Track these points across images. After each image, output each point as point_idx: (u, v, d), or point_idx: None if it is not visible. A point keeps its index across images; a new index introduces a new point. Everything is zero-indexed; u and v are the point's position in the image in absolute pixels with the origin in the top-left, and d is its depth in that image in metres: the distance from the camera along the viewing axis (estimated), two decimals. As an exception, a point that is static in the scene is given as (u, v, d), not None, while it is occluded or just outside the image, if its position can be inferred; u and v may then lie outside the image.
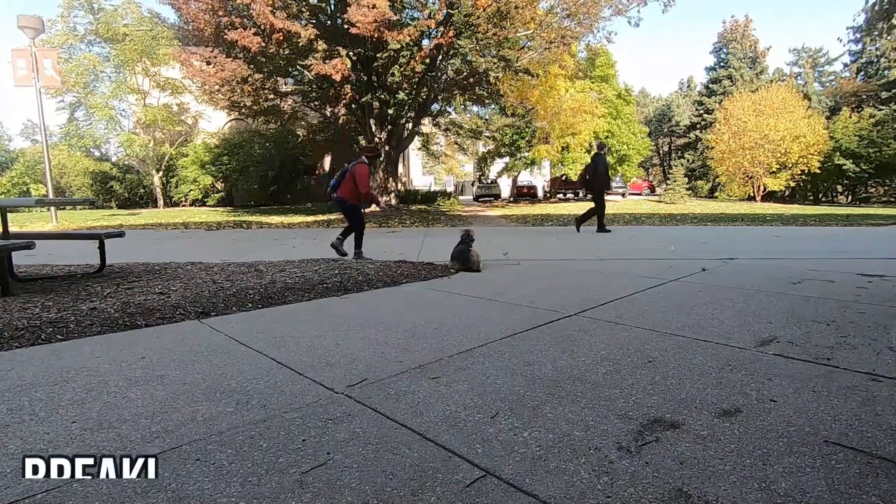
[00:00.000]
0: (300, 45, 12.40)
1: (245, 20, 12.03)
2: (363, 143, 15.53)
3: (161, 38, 18.37)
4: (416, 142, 22.95)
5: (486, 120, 22.30)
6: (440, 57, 13.76)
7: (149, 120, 20.05)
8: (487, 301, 3.30)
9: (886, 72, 33.26)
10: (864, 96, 33.93)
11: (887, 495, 1.13)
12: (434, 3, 13.44)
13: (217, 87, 13.53)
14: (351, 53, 12.93)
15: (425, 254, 5.78)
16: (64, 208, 17.75)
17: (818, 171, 26.85)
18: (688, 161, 41.70)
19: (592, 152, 9.89)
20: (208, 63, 13.03)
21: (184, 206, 21.00)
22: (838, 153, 27.07)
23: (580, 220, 9.06)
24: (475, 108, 21.21)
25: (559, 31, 13.86)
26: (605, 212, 9.18)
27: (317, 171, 23.99)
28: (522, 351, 2.22)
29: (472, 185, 37.35)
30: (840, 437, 1.40)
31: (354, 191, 5.35)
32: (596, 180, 8.79)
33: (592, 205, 9.01)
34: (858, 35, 33.61)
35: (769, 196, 28.51)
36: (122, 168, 22.45)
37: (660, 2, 13.81)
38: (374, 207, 6.63)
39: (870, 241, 7.45)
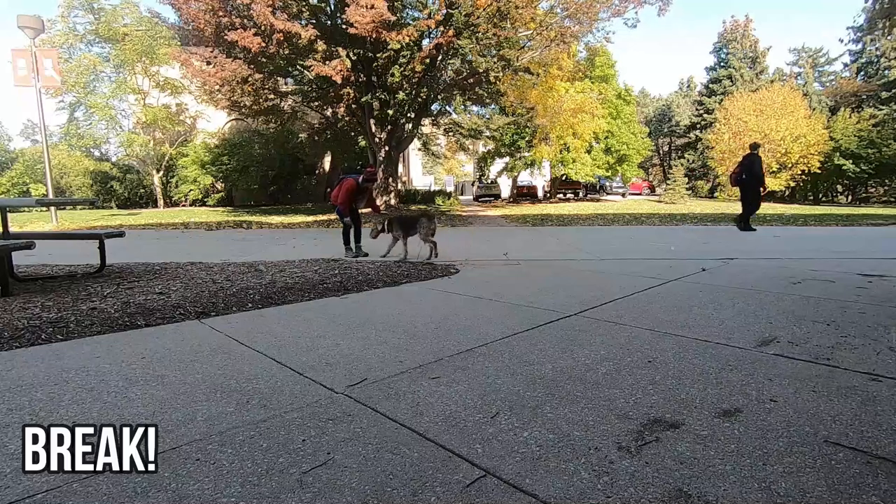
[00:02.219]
0: (300, 45, 12.39)
1: (245, 20, 12.02)
2: (363, 143, 15.55)
3: (161, 38, 18.38)
4: (417, 142, 22.93)
5: (487, 118, 22.28)
6: (440, 57, 13.74)
7: (149, 120, 20.05)
8: (487, 301, 3.30)
9: (886, 72, 33.25)
10: (864, 96, 33.91)
11: (887, 495, 1.13)
12: (434, 3, 13.43)
13: (217, 87, 13.52)
14: (351, 54, 12.92)
15: (425, 254, 5.76)
16: (64, 208, 17.75)
17: (818, 171, 26.83)
18: (688, 161, 41.68)
19: (746, 152, 9.90)
20: (208, 63, 13.02)
21: (184, 206, 21.00)
22: (838, 153, 27.06)
23: (746, 220, 8.92)
24: (475, 108, 21.20)
25: (559, 30, 13.85)
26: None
27: (317, 171, 24.01)
28: (522, 351, 2.22)
29: (472, 185, 37.37)
30: (840, 437, 1.40)
31: (343, 198, 5.78)
32: (752, 179, 8.81)
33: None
34: (859, 35, 33.71)
35: (769, 196, 28.47)
36: (122, 168, 22.44)
37: (654, 5, 13.78)
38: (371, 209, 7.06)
39: (870, 241, 7.45)
